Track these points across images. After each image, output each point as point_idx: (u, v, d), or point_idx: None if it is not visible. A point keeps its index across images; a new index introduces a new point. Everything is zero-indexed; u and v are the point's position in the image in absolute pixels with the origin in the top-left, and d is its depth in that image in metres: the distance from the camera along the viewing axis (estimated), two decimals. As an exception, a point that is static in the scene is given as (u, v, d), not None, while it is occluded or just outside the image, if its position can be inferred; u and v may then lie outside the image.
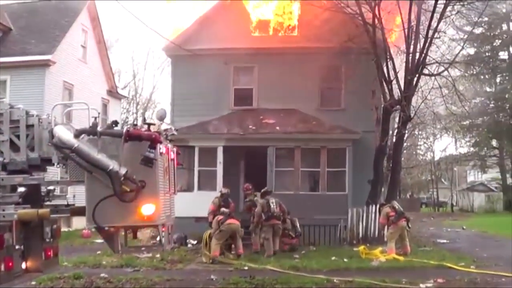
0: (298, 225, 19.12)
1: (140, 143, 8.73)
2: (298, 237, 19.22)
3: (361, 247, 17.18)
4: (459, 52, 26.25)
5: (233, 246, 17.21)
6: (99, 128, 8.87)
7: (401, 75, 22.92)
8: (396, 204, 17.61)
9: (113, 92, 36.37)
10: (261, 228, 17.75)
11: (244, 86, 25.04)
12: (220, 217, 16.66)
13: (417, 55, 22.05)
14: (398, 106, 22.59)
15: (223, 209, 17.24)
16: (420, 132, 51.54)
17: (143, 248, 15.28)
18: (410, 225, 17.62)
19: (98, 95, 33.46)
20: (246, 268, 14.93)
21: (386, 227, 17.77)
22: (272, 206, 17.96)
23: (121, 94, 39.34)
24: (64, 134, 8.83)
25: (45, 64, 28.19)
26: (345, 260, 16.23)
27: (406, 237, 17.39)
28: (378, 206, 19.37)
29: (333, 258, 16.54)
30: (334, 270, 14.40)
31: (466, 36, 32.70)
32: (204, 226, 18.08)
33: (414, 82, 22.41)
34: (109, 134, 8.85)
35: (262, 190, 18.84)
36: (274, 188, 21.25)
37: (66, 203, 9.94)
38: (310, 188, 22.72)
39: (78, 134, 8.82)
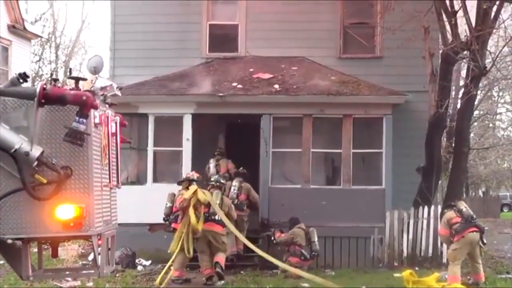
0: (316, 239, 19.52)
1: (63, 108, 8.67)
2: (314, 259, 19.62)
3: (407, 272, 17.19)
4: None
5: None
6: (-3, 85, 8.81)
7: (472, 2, 22.89)
8: (463, 205, 17.56)
9: (18, 29, 36.00)
10: None
11: (225, 22, 25.09)
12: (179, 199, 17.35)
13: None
14: (466, 52, 22.54)
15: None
16: (500, 94, 51.56)
17: (67, 273, 15.23)
18: (485, 240, 17.62)
19: (-6, 34, 33.24)
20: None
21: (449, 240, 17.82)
22: (232, 190, 19.71)
23: (31, 32, 38.94)
24: None
25: None
26: (381, 291, 16.33)
27: (479, 257, 17.42)
28: (441, 209, 19.29)
29: (363, 288, 16.64)
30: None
31: None
32: (162, 238, 18.09)
33: (493, 13, 22.39)
34: (14, 94, 8.76)
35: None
36: (271, 179, 21.34)
37: None
38: (326, 179, 22.88)
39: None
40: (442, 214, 17.99)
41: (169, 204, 18.31)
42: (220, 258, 17.55)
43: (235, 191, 20.10)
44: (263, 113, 21.86)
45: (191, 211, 16.90)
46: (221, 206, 17.59)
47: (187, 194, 17.16)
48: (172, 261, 17.14)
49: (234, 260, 19.69)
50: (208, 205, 17.33)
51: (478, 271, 17.16)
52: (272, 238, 19.74)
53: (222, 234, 17.67)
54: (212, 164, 21.48)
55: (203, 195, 17.14)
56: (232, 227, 16.73)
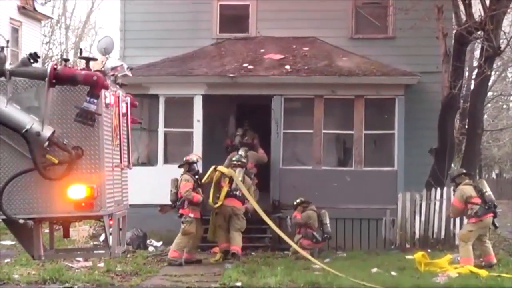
0: (328, 221, 19.51)
1: (74, 88, 8.75)
2: (325, 241, 19.65)
3: (419, 254, 17.16)
4: None
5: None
6: (8, 65, 8.86)
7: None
8: (486, 188, 17.14)
9: (28, 10, 36.09)
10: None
11: (236, 2, 25.10)
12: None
13: None
14: (480, 32, 22.47)
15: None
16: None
17: (78, 253, 15.32)
18: (497, 224, 17.51)
19: (4, 15, 33.23)
20: (238, 284, 15.08)
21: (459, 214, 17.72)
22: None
23: (41, 13, 38.98)
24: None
25: None
26: (393, 273, 16.31)
27: (487, 237, 17.42)
28: (451, 179, 18.70)
29: (374, 270, 16.63)
30: (375, 289, 14.47)
31: None
32: (173, 219, 18.23)
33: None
34: (25, 74, 8.85)
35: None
36: (282, 160, 21.41)
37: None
38: (338, 161, 22.87)
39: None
40: (455, 179, 17.50)
41: (174, 190, 18.24)
42: (237, 247, 18.07)
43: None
44: (274, 94, 21.83)
45: (212, 189, 17.95)
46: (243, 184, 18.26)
47: (206, 176, 18.17)
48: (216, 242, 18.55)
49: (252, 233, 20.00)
50: (231, 181, 18.00)
51: (488, 252, 17.10)
52: (291, 218, 19.76)
53: (242, 210, 18.25)
54: (239, 132, 21.86)
55: (226, 169, 18.26)
56: (253, 203, 17.84)
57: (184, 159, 18.47)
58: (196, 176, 18.13)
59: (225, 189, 18.06)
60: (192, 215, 17.58)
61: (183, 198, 17.71)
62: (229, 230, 18.15)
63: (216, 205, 17.99)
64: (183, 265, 17.34)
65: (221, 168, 18.31)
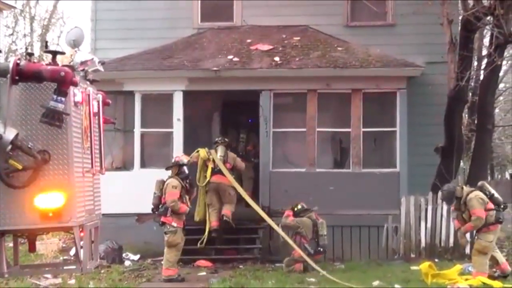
0: (325, 233, 19.33)
1: (39, 86, 8.72)
2: (320, 254, 19.47)
3: (425, 264, 17.18)
4: None
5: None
6: (-35, 61, 8.84)
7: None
8: (490, 188, 17.22)
9: (-12, -1, 35.99)
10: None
11: (219, -13, 25.09)
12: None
13: None
14: (489, 18, 22.53)
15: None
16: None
17: (46, 269, 15.27)
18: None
19: (-39, 4, 33.24)
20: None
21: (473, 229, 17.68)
22: (241, 142, 22.99)
23: (3, 1, 38.85)
24: None
25: None
26: (397, 286, 16.38)
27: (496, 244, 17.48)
28: (450, 199, 18.72)
29: (376, 283, 16.71)
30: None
31: None
32: (151, 230, 18.18)
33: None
34: (-16, 70, 8.81)
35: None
36: (272, 162, 21.42)
37: None
38: (334, 162, 22.89)
39: None
40: (452, 195, 17.10)
41: (157, 193, 18.06)
42: (227, 210, 19.85)
43: (243, 142, 22.63)
44: (262, 89, 21.83)
45: (198, 170, 19.95)
46: (226, 159, 19.98)
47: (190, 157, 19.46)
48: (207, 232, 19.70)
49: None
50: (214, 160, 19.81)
51: (502, 259, 17.12)
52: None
53: (229, 186, 19.79)
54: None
55: (204, 152, 19.89)
56: (231, 179, 19.71)
57: (174, 160, 18.42)
58: (186, 181, 18.03)
59: (209, 167, 19.92)
60: (175, 225, 17.44)
61: (166, 205, 17.58)
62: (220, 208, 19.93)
63: (204, 183, 19.69)
64: (184, 280, 17.59)
65: (201, 151, 20.01)
